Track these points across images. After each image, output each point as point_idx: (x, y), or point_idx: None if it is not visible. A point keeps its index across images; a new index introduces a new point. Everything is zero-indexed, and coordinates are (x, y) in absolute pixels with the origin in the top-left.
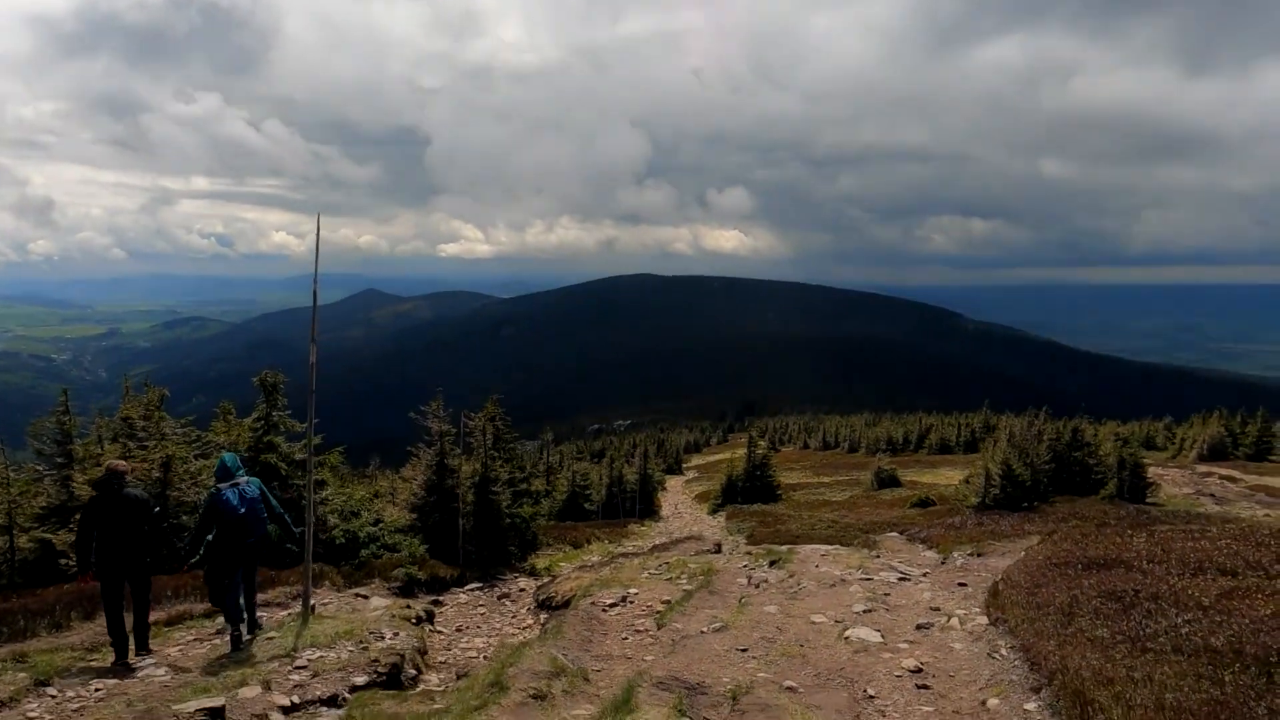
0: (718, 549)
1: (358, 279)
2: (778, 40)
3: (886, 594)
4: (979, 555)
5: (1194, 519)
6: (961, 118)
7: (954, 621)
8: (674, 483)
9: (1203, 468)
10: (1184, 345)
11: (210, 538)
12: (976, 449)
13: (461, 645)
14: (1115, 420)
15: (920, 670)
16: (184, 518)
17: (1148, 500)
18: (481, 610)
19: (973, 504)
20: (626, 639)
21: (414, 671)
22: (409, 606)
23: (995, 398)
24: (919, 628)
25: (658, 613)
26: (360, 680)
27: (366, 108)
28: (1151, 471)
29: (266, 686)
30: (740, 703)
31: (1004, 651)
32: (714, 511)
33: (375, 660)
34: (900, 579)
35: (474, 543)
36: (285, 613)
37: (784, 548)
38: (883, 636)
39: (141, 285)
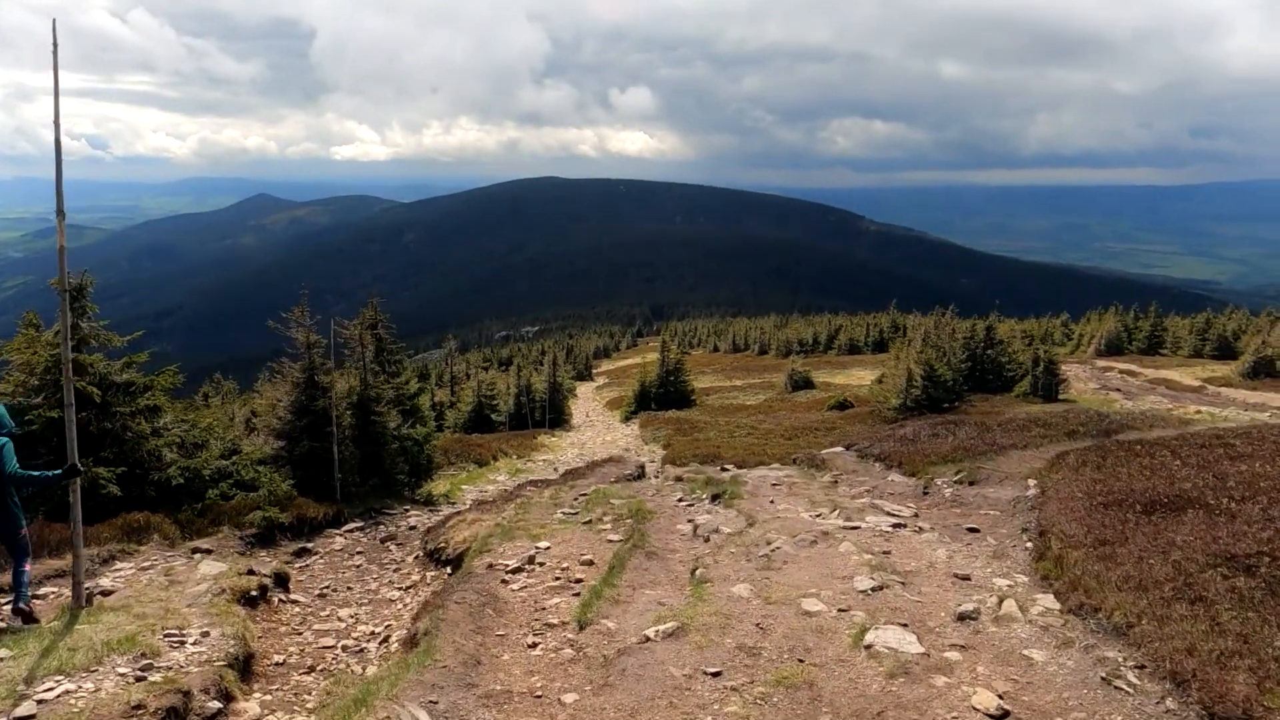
0: (641, 473)
1: (247, 183)
2: None
3: (886, 552)
4: (970, 483)
5: (1157, 422)
6: (863, 15)
7: (1008, 606)
8: (584, 389)
9: (1101, 362)
10: (1071, 245)
11: None
12: (885, 349)
13: (318, 625)
14: (1012, 318)
15: (1006, 716)
16: None
17: (1060, 397)
18: (358, 561)
19: (894, 405)
20: (534, 648)
21: (218, 705)
22: (251, 572)
23: (896, 297)
24: (961, 618)
25: (576, 580)
26: None
27: None
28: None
29: None
30: None
31: (1130, 677)
32: (627, 419)
33: (139, 706)
34: (894, 525)
35: (356, 472)
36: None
37: (726, 475)
38: (918, 638)
39: (7, 190)
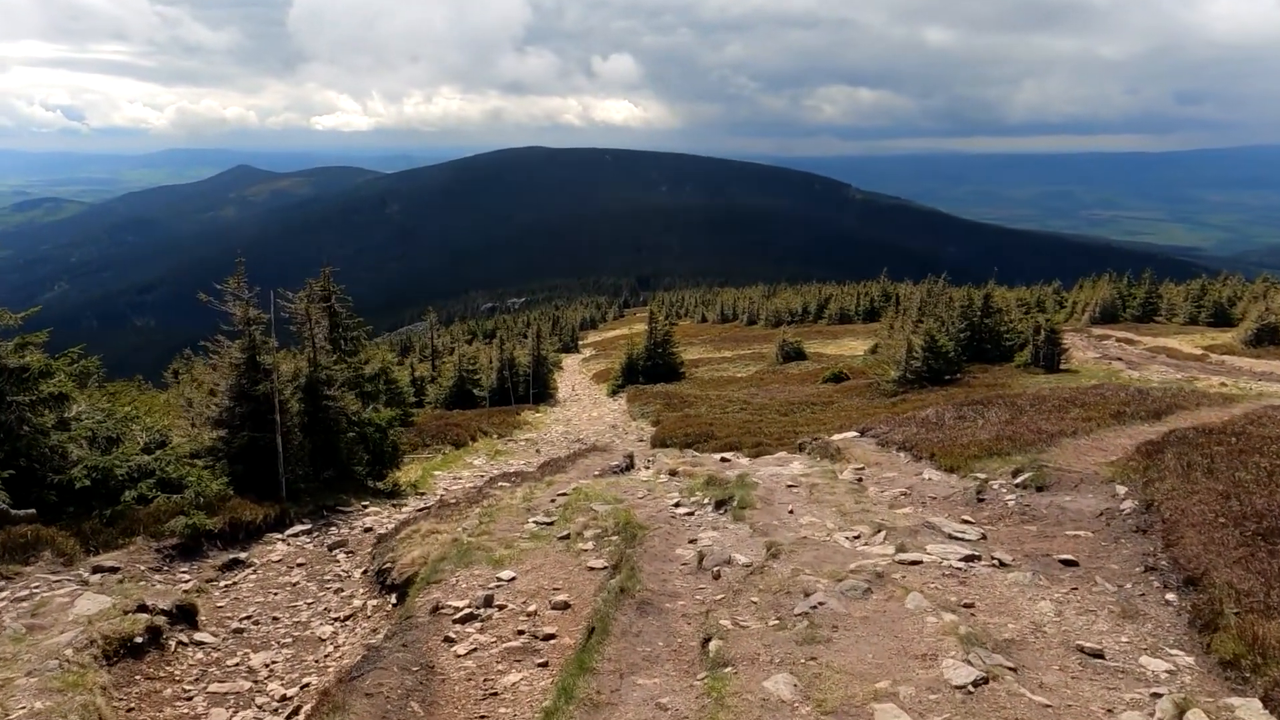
0: (629, 464)
1: (227, 154)
2: None
3: (968, 605)
4: (1037, 488)
5: (1202, 400)
6: None
7: None
8: (570, 362)
9: (1098, 330)
10: (1056, 212)
11: None
12: (877, 318)
13: (218, 683)
14: (1001, 286)
15: None
16: None
17: (1062, 367)
18: (297, 576)
19: (893, 378)
20: None
21: None
22: (143, 608)
23: (885, 266)
24: None
25: (546, 636)
26: None
27: None
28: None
29: None
30: None
31: None
32: (614, 393)
33: None
34: (966, 559)
35: (307, 464)
36: None
37: (731, 474)
38: None
39: None
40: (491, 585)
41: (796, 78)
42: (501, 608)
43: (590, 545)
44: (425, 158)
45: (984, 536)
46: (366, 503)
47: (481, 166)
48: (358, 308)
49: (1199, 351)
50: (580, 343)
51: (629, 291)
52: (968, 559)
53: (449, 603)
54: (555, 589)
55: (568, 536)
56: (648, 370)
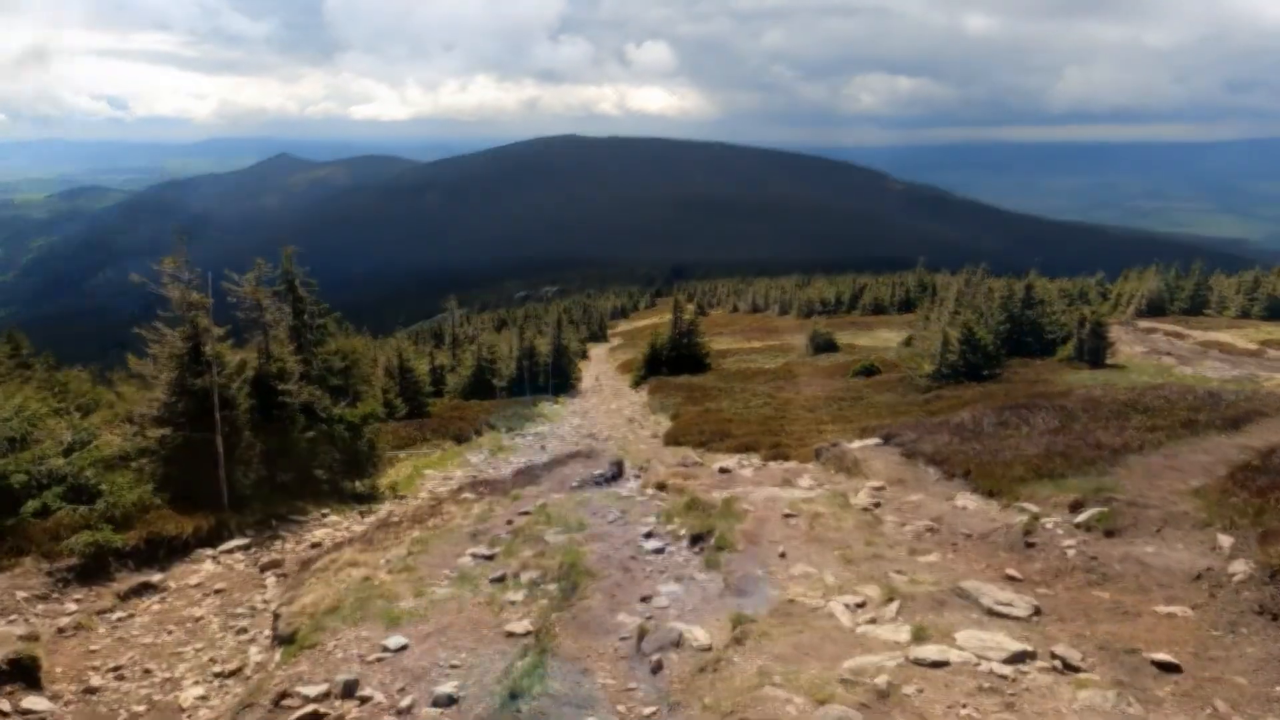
0: (616, 473)
1: (268, 143)
2: None
3: None
4: (1106, 531)
5: None
6: None
7: None
8: (598, 351)
9: (1144, 323)
10: (1100, 204)
11: None
12: (912, 309)
13: None
14: (1042, 278)
15: None
16: None
17: (1107, 362)
18: (205, 608)
19: (927, 372)
20: None
21: None
22: None
23: (921, 257)
24: None
25: None
26: None
27: None
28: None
29: None
30: None
31: None
32: (637, 384)
33: None
34: (1012, 658)
35: (260, 467)
36: None
37: (719, 496)
38: None
39: (30, 151)
40: (371, 658)
41: (835, 66)
42: (365, 700)
43: (521, 595)
44: (462, 147)
45: (1038, 611)
46: (326, 510)
47: (518, 156)
48: (394, 295)
49: (1254, 346)
50: (610, 332)
51: (663, 281)
52: (1016, 658)
53: (301, 688)
54: (452, 667)
55: (502, 579)
56: (672, 361)
